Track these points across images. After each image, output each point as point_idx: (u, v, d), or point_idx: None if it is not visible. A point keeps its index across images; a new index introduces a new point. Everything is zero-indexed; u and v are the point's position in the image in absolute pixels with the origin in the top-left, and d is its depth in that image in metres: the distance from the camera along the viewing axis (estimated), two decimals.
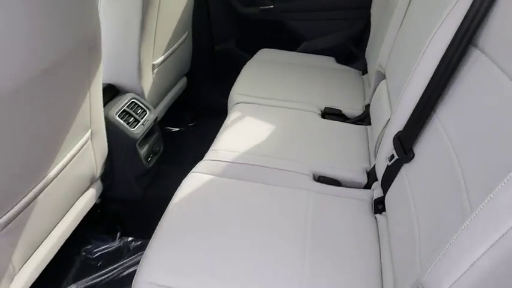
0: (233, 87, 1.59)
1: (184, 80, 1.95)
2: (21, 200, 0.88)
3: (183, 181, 1.08)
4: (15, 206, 0.87)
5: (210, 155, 1.18)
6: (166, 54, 1.60)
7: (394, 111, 0.94)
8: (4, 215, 0.84)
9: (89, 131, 1.13)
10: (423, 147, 0.83)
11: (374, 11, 1.66)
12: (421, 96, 0.83)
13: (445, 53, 0.77)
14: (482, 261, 0.45)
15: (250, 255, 0.88)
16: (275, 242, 0.91)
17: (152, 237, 0.93)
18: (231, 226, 0.95)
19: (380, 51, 1.30)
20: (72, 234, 1.23)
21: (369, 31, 1.70)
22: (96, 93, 1.11)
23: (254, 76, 1.67)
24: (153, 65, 1.50)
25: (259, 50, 1.89)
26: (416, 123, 0.84)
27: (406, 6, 1.15)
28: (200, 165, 1.14)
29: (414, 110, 0.85)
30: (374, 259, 0.89)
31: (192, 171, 1.12)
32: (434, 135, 0.79)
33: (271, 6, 1.89)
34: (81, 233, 1.38)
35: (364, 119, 1.41)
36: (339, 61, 1.83)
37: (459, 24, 0.73)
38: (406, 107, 0.88)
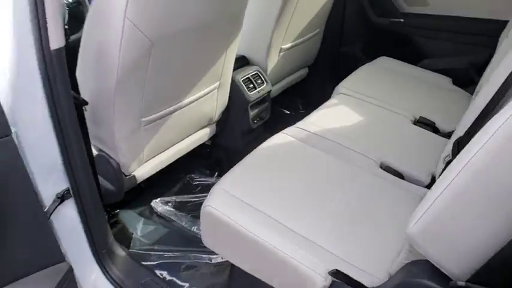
0: (342, 81, 1.79)
1: (305, 70, 2.22)
2: (162, 110, 1.28)
3: (271, 137, 1.35)
4: (158, 112, 1.26)
5: (299, 123, 1.43)
6: (294, 42, 1.89)
7: (461, 119, 1.03)
8: (151, 115, 1.24)
9: (218, 82, 1.49)
10: None
11: (501, 40, 1.65)
12: (485, 106, 0.92)
13: None
14: (437, 202, 0.59)
15: (303, 200, 1.09)
16: (326, 197, 1.10)
17: (235, 166, 1.23)
18: (296, 177, 1.17)
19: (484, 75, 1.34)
20: (183, 161, 1.63)
21: None
22: (231, 56, 1.46)
23: (365, 76, 1.83)
24: (281, 48, 1.81)
25: (380, 57, 2.03)
26: (473, 129, 0.94)
27: None
28: (288, 129, 1.39)
29: (476, 118, 0.95)
30: (401, 238, 1.01)
31: (280, 132, 1.38)
32: None
33: (402, 20, 2.01)
34: (190, 162, 1.79)
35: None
36: (455, 83, 1.85)
37: None
38: (471, 115, 0.98)
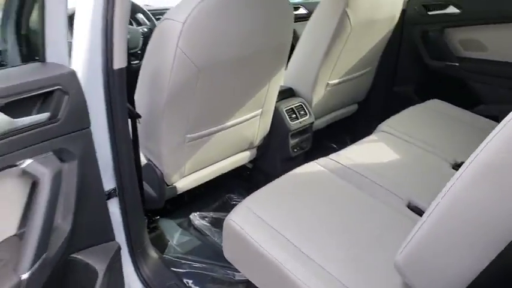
0: (388, 119, 1.80)
1: (354, 106, 2.25)
2: (206, 129, 1.41)
3: (302, 165, 1.41)
4: (202, 131, 1.40)
5: (332, 155, 1.47)
6: (342, 79, 1.95)
7: None
8: (195, 133, 1.38)
9: (261, 109, 1.60)
10: None
11: None
12: None
13: None
14: (419, 231, 0.62)
15: (321, 227, 1.12)
16: (345, 227, 1.13)
17: (262, 187, 1.30)
18: (319, 204, 1.21)
19: None
20: (225, 181, 1.74)
21: None
22: (274, 86, 1.57)
23: (411, 116, 1.82)
24: (328, 83, 1.88)
25: (431, 99, 2.01)
26: None
27: None
28: (321, 160, 1.44)
29: None
30: None
31: (313, 161, 1.43)
32: None
33: (457, 64, 1.99)
34: (231, 183, 1.91)
35: None
36: None
37: None
38: None
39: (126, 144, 1.15)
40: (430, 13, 2.04)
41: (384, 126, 1.74)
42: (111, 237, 1.20)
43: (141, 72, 1.30)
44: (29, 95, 0.86)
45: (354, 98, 2.19)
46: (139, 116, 1.26)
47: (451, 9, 1.98)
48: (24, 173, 0.90)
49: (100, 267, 1.11)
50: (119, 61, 1.03)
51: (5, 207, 0.95)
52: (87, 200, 1.06)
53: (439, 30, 2.01)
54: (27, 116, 0.88)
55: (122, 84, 1.06)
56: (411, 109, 1.91)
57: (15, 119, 0.84)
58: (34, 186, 0.95)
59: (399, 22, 1.98)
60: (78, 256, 1.11)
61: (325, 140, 2.30)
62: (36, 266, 0.89)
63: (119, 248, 1.20)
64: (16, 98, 0.84)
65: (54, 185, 0.92)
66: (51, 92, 0.91)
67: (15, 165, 0.87)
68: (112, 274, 1.17)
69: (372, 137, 1.65)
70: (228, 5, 1.16)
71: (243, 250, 1.14)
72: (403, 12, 2.04)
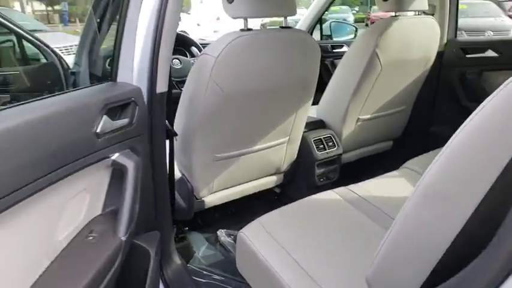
0: (415, 157, 1.82)
1: (389, 143, 2.29)
2: (233, 151, 1.57)
3: (320, 192, 1.50)
4: (229, 152, 1.56)
5: (351, 186, 1.54)
6: (374, 115, 2.02)
7: None
8: (224, 153, 1.54)
9: (288, 137, 1.73)
10: None
11: None
12: None
13: None
14: (384, 245, 0.69)
15: (329, 252, 1.19)
16: (353, 255, 1.18)
17: (279, 208, 1.40)
18: (330, 230, 1.28)
19: None
20: (253, 203, 1.86)
21: None
22: (301, 116, 1.69)
23: None
24: (358, 118, 1.96)
25: None
26: None
27: None
28: (338, 189, 1.52)
29: None
30: None
31: (330, 189, 1.51)
32: None
33: None
34: (259, 205, 2.02)
35: None
36: None
37: None
38: None
39: (161, 158, 1.33)
40: (468, 56, 2.06)
41: (409, 163, 1.77)
42: (155, 227, 1.38)
43: (181, 96, 1.50)
44: (118, 104, 1.11)
45: (387, 134, 2.23)
46: (176, 134, 1.44)
47: (490, 53, 1.99)
48: (113, 163, 1.13)
49: (152, 251, 1.27)
50: (161, 86, 1.23)
51: (97, 192, 1.17)
52: (143, 192, 1.25)
53: (477, 73, 2.02)
54: (113, 121, 1.13)
55: (162, 105, 1.25)
56: (442, 149, 1.91)
57: (113, 121, 1.10)
58: (114, 176, 1.17)
59: (436, 63, 2.03)
60: (134, 240, 1.28)
61: (357, 173, 2.34)
62: (128, 233, 1.13)
63: (161, 237, 1.37)
64: (112, 106, 1.08)
65: (136, 173, 1.15)
66: (129, 103, 1.15)
67: (108, 157, 1.11)
68: (158, 259, 1.35)
69: (394, 172, 1.69)
70: (256, 44, 1.33)
71: (251, 262, 1.24)
72: (441, 54, 2.08)
